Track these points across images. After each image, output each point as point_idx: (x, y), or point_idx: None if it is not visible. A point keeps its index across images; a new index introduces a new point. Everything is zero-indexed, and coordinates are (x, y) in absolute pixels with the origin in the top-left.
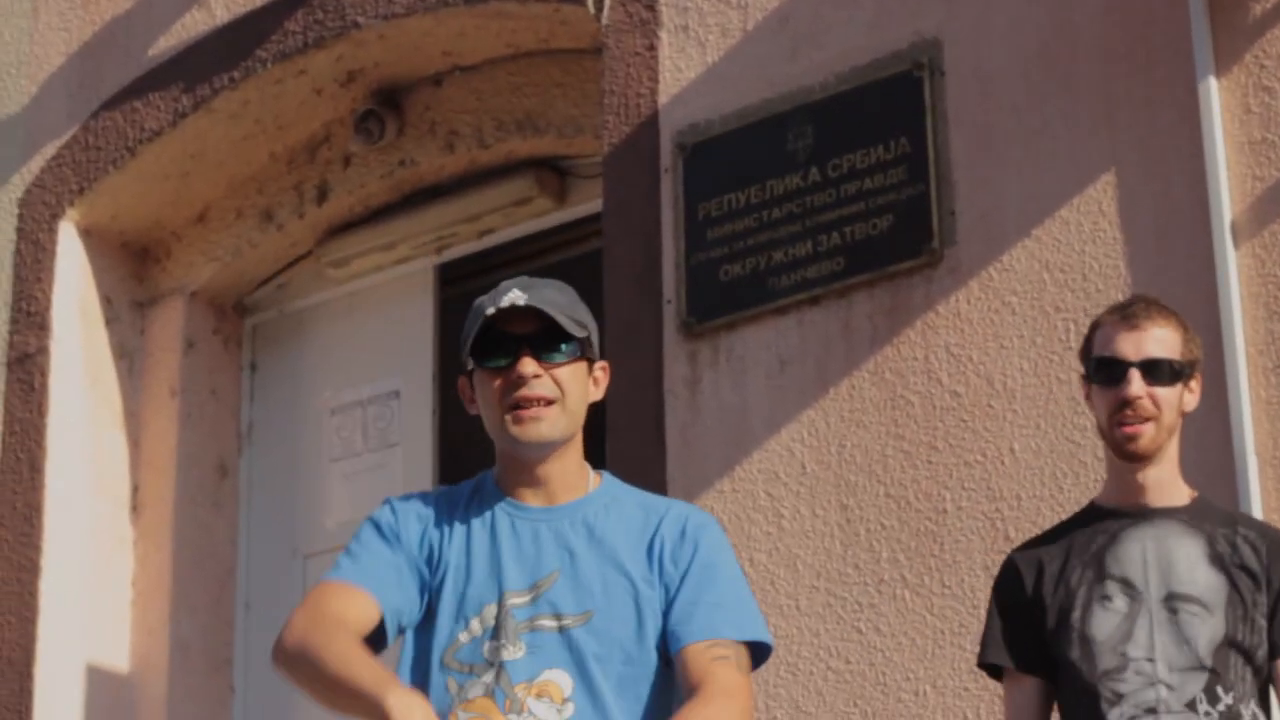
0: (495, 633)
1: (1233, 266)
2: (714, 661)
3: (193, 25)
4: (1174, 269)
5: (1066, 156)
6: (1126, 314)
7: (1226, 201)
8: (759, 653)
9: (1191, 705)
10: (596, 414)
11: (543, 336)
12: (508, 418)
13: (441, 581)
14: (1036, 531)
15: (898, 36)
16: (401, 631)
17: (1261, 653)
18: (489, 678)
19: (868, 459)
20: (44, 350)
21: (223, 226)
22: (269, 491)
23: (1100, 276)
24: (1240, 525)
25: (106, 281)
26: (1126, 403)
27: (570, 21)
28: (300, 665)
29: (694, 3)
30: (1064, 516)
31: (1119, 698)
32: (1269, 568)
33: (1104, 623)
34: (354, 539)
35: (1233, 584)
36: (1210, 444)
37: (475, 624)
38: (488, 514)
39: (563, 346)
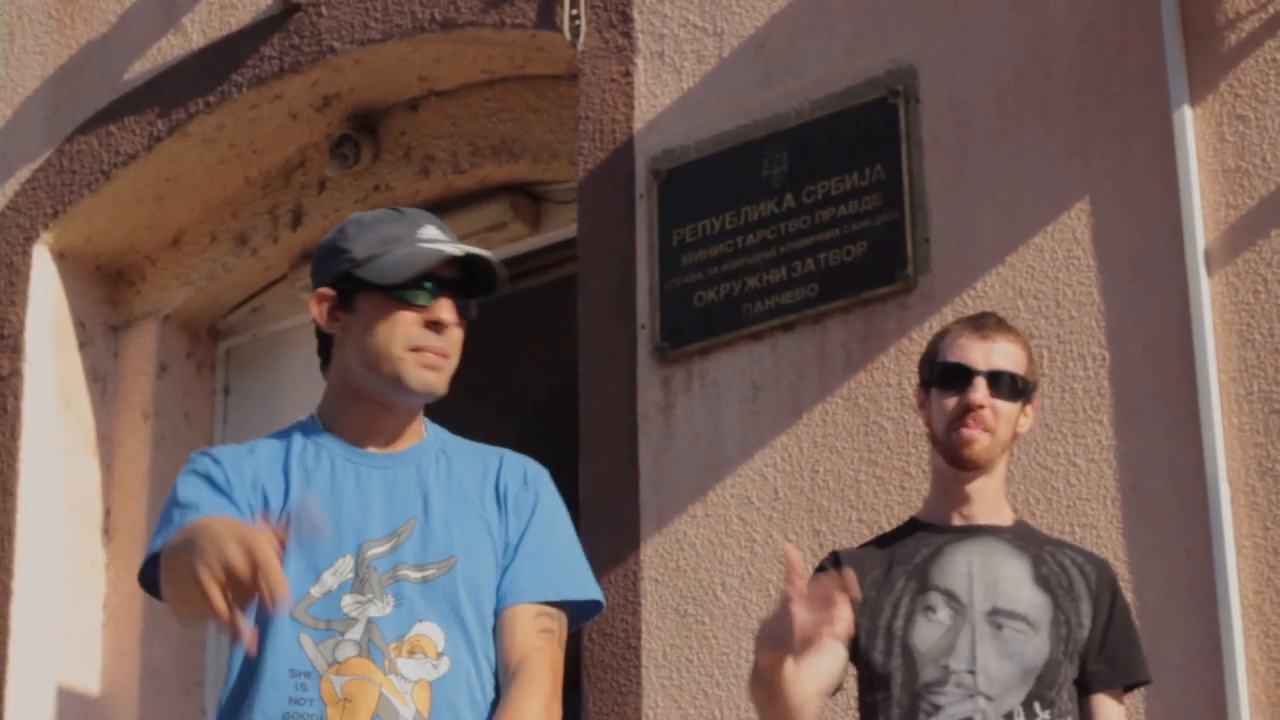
0: (357, 586)
1: (1206, 294)
2: (540, 634)
3: (168, 49)
4: (1148, 297)
5: (1041, 184)
6: (978, 324)
7: (1200, 229)
8: (589, 609)
9: (1009, 717)
10: (569, 436)
11: (461, 286)
12: (411, 356)
13: None
14: None
15: (873, 64)
16: None
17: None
18: (357, 634)
19: (840, 484)
20: (17, 373)
21: (197, 250)
22: None
23: (1074, 304)
24: (1066, 549)
25: (80, 305)
26: (969, 409)
27: (546, 48)
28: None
29: (670, 29)
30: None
31: (936, 709)
32: (1096, 597)
33: (926, 634)
34: (174, 499)
35: (1057, 605)
36: (1183, 471)
37: (329, 577)
38: (326, 461)
39: (470, 304)
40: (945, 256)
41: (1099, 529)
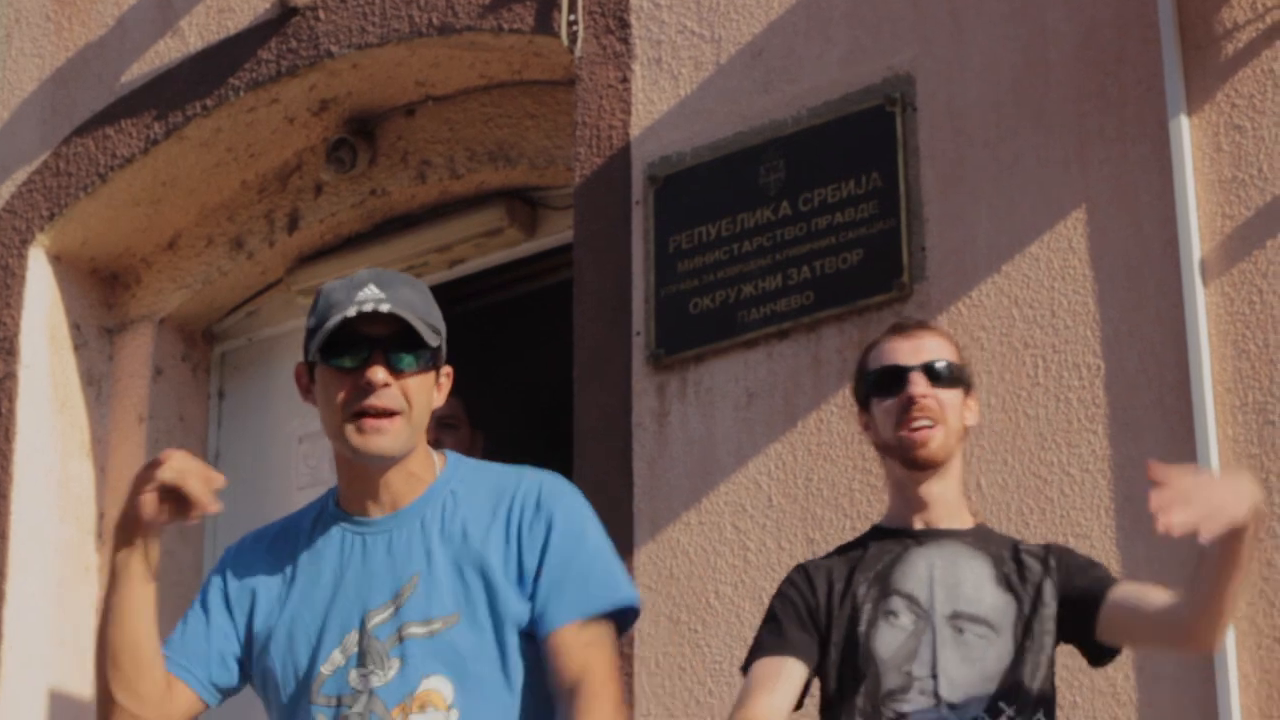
0: (360, 659)
1: (1201, 304)
2: (587, 649)
3: (165, 52)
4: (1143, 306)
5: (1038, 193)
6: (899, 327)
7: (1196, 239)
8: (629, 614)
9: None
10: (564, 444)
11: (395, 340)
12: (350, 426)
13: (292, 620)
14: None
15: (871, 71)
16: (228, 692)
17: (1043, 675)
18: (360, 708)
19: (834, 492)
20: (12, 376)
21: (193, 254)
22: (235, 520)
23: (1069, 313)
24: (1022, 545)
25: (76, 308)
26: (911, 402)
27: (544, 53)
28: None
29: (667, 35)
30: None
31: (900, 717)
32: (1055, 569)
33: (889, 640)
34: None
35: (1019, 604)
36: None
37: (337, 654)
38: (335, 539)
39: (415, 355)
40: (941, 265)
41: (1093, 539)
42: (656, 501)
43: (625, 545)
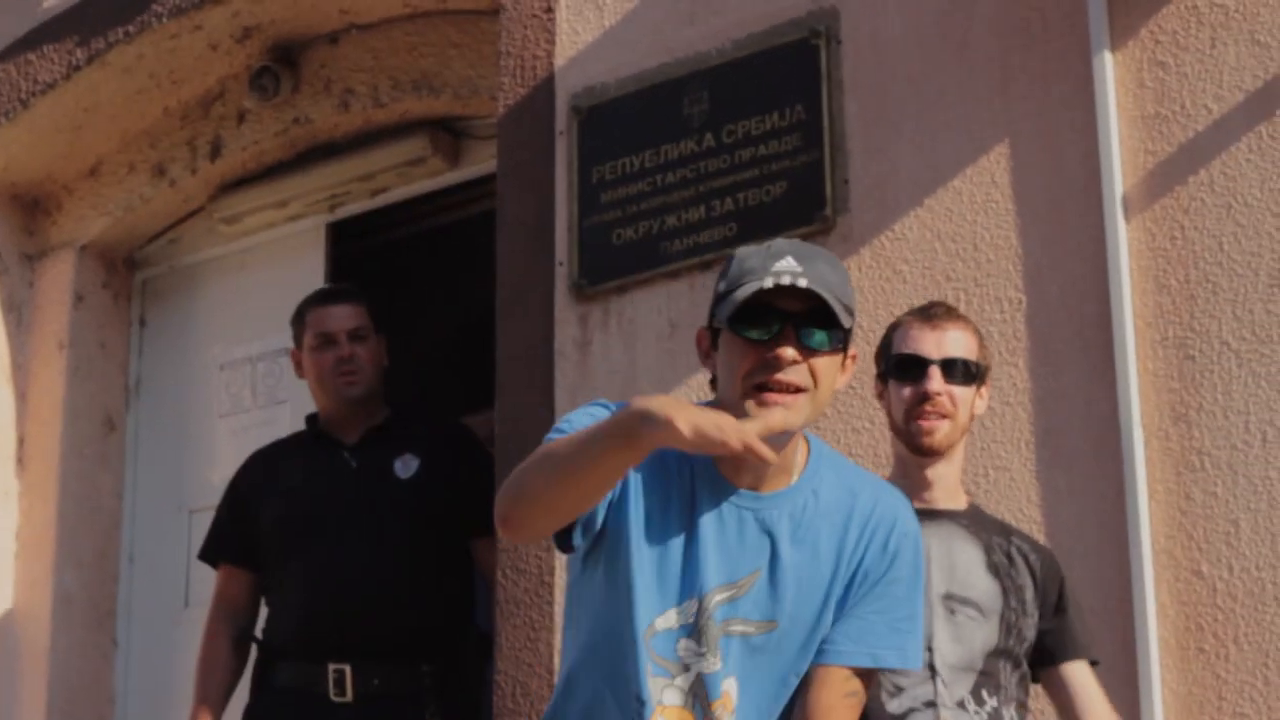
0: (694, 633)
1: (1123, 240)
2: (844, 698)
3: None
4: (1065, 241)
5: (960, 127)
6: (928, 314)
7: (1118, 175)
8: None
9: (961, 705)
10: (486, 371)
11: (809, 316)
12: (750, 401)
13: (663, 546)
14: None
15: (795, 4)
16: (577, 538)
17: (1022, 671)
18: (684, 683)
19: None
20: None
21: (115, 181)
22: (156, 446)
23: (991, 247)
24: (1013, 536)
25: None
26: (926, 397)
27: None
28: (533, 490)
29: None
30: None
31: (899, 690)
32: (1044, 584)
33: None
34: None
35: (1005, 592)
36: (1097, 416)
37: (674, 614)
38: (705, 491)
39: (829, 334)
40: (864, 198)
41: (1013, 472)
42: None
43: None
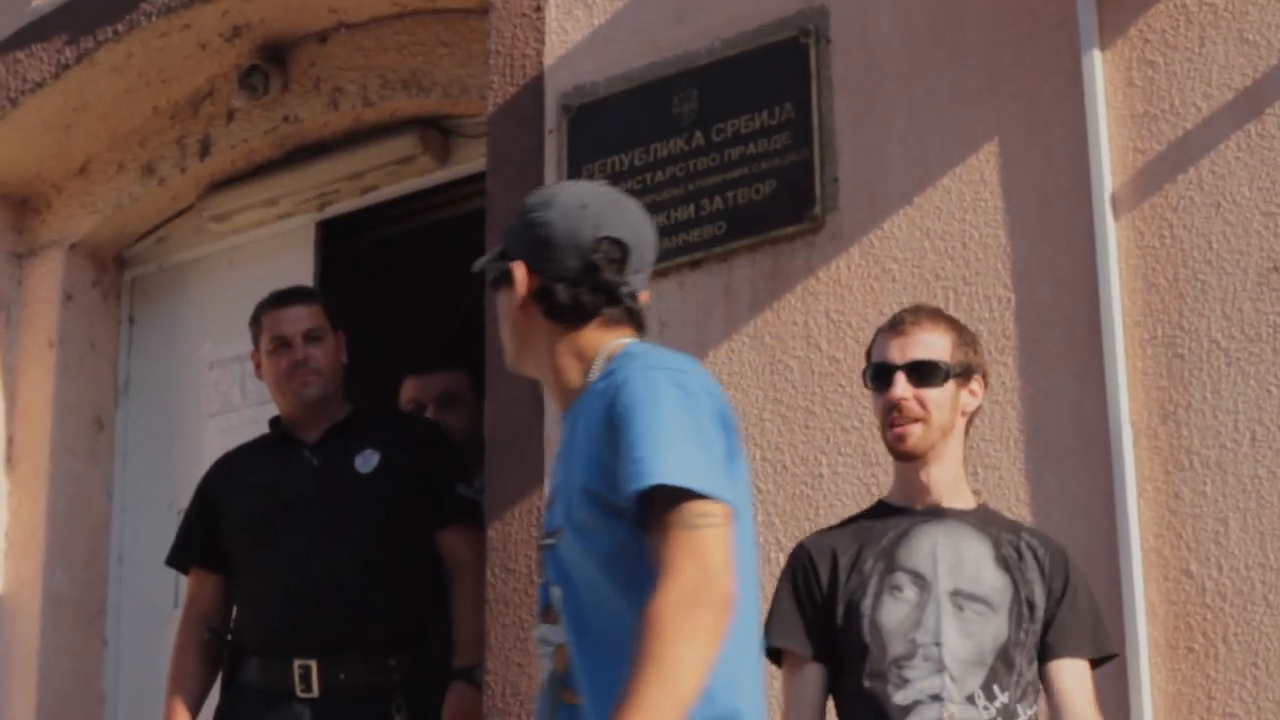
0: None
1: (1112, 238)
2: (670, 533)
3: None
4: (1054, 239)
5: (950, 125)
6: (895, 322)
7: (1108, 173)
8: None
9: (971, 699)
10: (475, 372)
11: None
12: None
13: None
14: None
15: (784, 3)
16: None
17: (1034, 669)
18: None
19: (745, 422)
20: None
21: (104, 179)
22: (145, 445)
23: (980, 245)
24: (1024, 532)
25: None
26: (894, 405)
27: None
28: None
29: None
30: None
31: (905, 682)
32: (1050, 578)
33: (894, 611)
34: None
35: (1015, 587)
36: (1087, 415)
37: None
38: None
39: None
40: (853, 196)
41: (1001, 470)
42: None
43: (535, 473)
